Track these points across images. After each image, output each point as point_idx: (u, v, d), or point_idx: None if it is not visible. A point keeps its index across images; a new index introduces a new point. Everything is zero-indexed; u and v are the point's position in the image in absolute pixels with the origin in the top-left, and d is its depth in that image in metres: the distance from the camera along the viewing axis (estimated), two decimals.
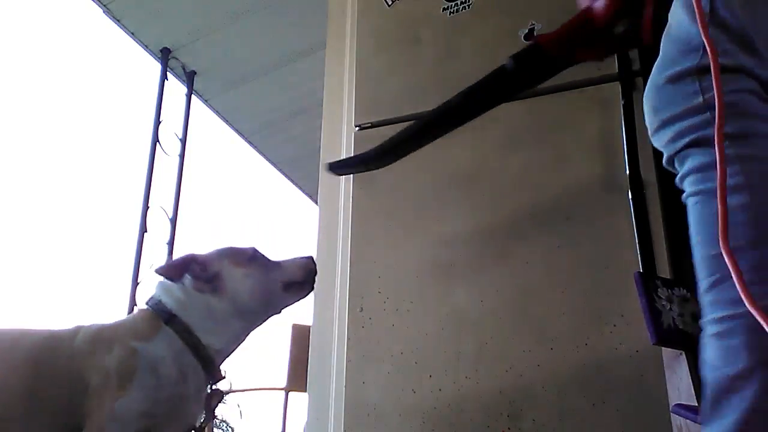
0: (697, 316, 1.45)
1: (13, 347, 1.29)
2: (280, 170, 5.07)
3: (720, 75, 0.84)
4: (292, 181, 5.25)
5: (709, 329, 0.85)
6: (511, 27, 2.09)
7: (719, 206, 0.80)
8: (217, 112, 4.37)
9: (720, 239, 0.79)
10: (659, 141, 0.96)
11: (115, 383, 1.23)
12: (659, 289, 1.59)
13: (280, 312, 1.51)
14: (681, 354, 1.65)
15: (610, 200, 1.87)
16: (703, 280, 0.87)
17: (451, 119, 1.30)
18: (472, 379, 1.80)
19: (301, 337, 2.96)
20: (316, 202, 2.50)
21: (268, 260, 1.49)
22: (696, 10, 0.88)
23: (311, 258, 1.53)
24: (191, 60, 3.84)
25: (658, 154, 0.97)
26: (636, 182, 1.85)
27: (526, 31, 2.08)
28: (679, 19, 0.94)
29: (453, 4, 2.25)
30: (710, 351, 0.85)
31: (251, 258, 1.45)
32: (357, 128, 2.29)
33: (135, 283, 3.60)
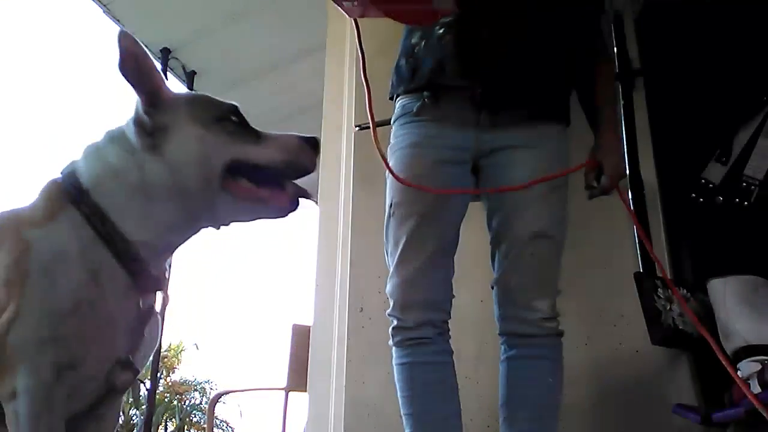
0: (696, 316, 1.45)
1: None
2: None
3: None
4: None
5: None
6: None
7: None
8: None
9: None
10: None
11: (2, 297, 0.88)
12: (659, 289, 1.59)
13: (242, 218, 1.05)
14: (681, 354, 1.65)
15: (610, 200, 1.87)
16: None
17: None
18: (472, 379, 1.79)
19: (301, 337, 2.95)
20: (316, 202, 2.49)
21: (246, 127, 1.03)
22: None
23: (314, 139, 1.06)
24: (191, 60, 3.83)
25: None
26: (636, 182, 1.85)
27: None
28: None
29: None
30: None
31: (219, 118, 1.00)
32: (357, 128, 2.29)
33: None
